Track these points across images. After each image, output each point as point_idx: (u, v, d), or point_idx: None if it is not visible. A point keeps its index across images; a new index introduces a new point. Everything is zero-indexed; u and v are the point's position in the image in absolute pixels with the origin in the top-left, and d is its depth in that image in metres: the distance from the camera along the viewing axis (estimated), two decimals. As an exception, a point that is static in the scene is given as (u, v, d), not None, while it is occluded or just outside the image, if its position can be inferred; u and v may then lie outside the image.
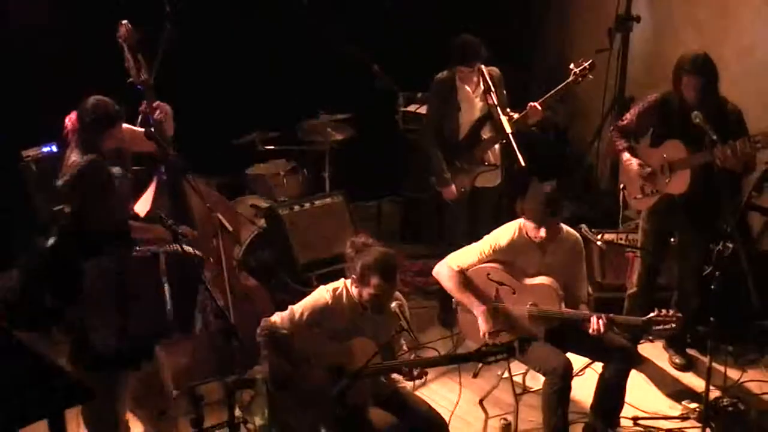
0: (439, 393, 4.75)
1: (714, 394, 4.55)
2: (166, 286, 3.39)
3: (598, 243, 5.11)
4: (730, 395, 4.64)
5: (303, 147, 6.41)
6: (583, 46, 6.68)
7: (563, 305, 4.16)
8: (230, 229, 4.36)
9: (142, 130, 4.07)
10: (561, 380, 4.05)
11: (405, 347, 4.01)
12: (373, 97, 6.47)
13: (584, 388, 4.53)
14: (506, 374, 4.46)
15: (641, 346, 5.22)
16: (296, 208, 5.79)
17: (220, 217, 4.28)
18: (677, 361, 5.10)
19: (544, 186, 4.14)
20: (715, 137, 4.25)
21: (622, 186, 5.02)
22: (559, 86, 5.06)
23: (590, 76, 5.08)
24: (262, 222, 5.73)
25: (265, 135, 6.21)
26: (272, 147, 6.26)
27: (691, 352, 5.15)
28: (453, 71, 5.19)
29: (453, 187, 5.27)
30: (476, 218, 5.34)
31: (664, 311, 4.02)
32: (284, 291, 5.50)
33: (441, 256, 4.44)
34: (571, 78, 5.05)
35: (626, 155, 4.85)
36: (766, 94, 5.57)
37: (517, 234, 4.24)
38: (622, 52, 6.60)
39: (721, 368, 4.65)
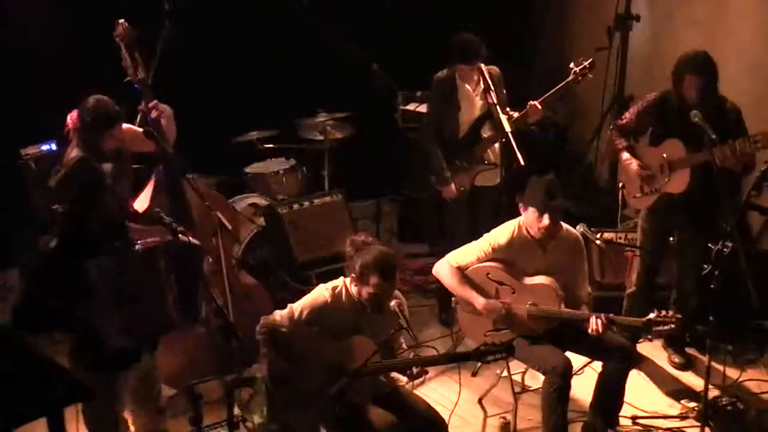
0: (438, 392, 4.75)
1: (713, 393, 4.55)
2: (171, 276, 3.39)
3: (598, 242, 5.10)
4: (729, 394, 4.64)
5: (302, 145, 6.40)
6: (583, 45, 6.67)
7: (563, 305, 4.16)
8: (229, 227, 4.36)
9: (142, 129, 4.07)
10: (560, 379, 4.05)
11: (404, 346, 4.01)
12: (372, 95, 6.47)
13: (583, 387, 4.53)
14: (505, 373, 4.47)
15: (640, 345, 5.22)
16: (295, 206, 5.79)
17: (220, 215, 4.27)
18: (676, 360, 5.10)
19: (543, 178, 4.14)
20: (714, 136, 4.25)
21: (621, 185, 5.03)
22: (559, 85, 5.06)
23: (590, 76, 5.08)
24: (261, 221, 5.73)
25: (264, 133, 6.21)
26: (271, 145, 6.26)
27: (690, 351, 5.15)
28: (453, 70, 5.19)
29: (453, 186, 5.27)
30: (476, 217, 5.33)
31: (663, 312, 4.01)
32: (283, 290, 5.50)
33: (440, 255, 4.44)
34: (571, 77, 5.04)
35: (625, 154, 4.85)
36: (765, 93, 5.57)
37: (516, 232, 4.24)
38: (622, 50, 6.60)
39: (720, 367, 4.64)
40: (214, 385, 4.38)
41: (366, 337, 3.77)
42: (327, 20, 6.27)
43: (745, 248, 4.19)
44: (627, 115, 4.93)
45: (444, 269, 4.34)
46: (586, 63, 5.04)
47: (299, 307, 3.84)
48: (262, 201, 5.91)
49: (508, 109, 5.12)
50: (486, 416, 4.49)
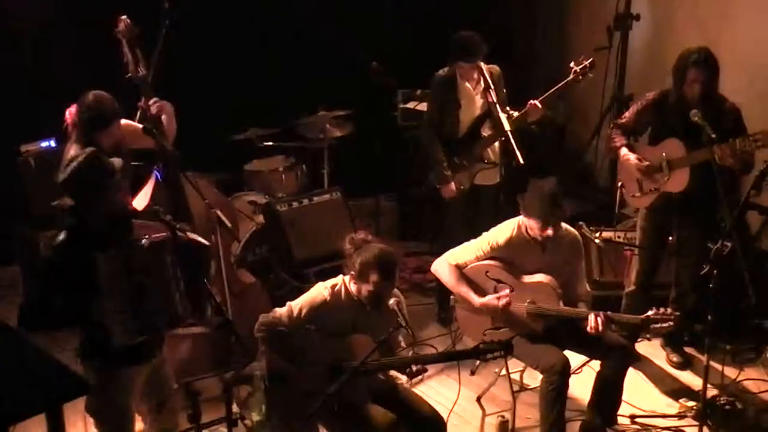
0: (437, 390, 4.75)
1: (711, 392, 4.55)
2: (177, 272, 3.39)
3: (597, 241, 5.11)
4: (728, 393, 4.64)
5: (301, 143, 6.40)
6: (583, 44, 6.68)
7: (561, 303, 4.16)
8: (228, 225, 4.35)
9: (141, 126, 4.07)
10: (559, 378, 4.05)
11: (403, 344, 4.01)
12: (372, 93, 6.47)
13: (582, 385, 4.53)
14: (504, 372, 4.46)
15: (639, 344, 5.22)
16: (294, 204, 5.78)
17: (219, 213, 4.27)
18: (675, 359, 5.10)
19: (545, 183, 4.12)
20: (713, 135, 4.25)
21: (620, 184, 5.03)
22: (560, 84, 5.05)
23: (590, 75, 5.08)
24: (260, 218, 5.72)
25: (263, 131, 6.21)
26: (271, 143, 6.25)
27: (688, 350, 5.15)
28: (454, 68, 5.19)
29: (452, 184, 5.26)
30: (475, 216, 5.33)
31: (662, 310, 4.02)
32: (282, 287, 5.49)
33: (439, 254, 4.44)
34: (571, 76, 5.04)
35: (624, 151, 4.85)
36: (765, 93, 5.57)
37: (515, 232, 4.24)
38: (622, 50, 6.60)
39: (719, 366, 4.66)
40: (212, 381, 4.38)
41: (365, 336, 3.76)
42: (327, 19, 6.27)
43: (744, 247, 4.19)
44: (627, 114, 4.94)
45: (442, 267, 4.34)
46: (586, 62, 5.04)
47: (298, 305, 3.83)
48: (261, 199, 5.91)
49: (508, 108, 5.12)
50: (484, 415, 4.49)
